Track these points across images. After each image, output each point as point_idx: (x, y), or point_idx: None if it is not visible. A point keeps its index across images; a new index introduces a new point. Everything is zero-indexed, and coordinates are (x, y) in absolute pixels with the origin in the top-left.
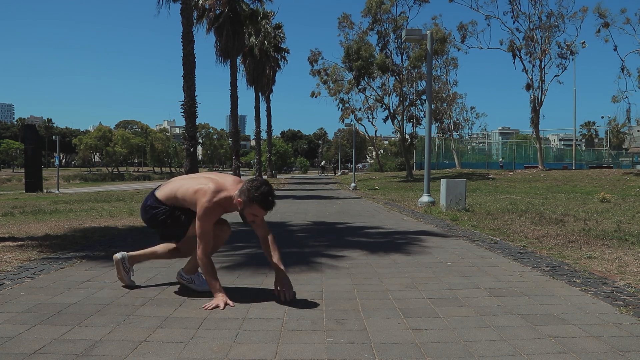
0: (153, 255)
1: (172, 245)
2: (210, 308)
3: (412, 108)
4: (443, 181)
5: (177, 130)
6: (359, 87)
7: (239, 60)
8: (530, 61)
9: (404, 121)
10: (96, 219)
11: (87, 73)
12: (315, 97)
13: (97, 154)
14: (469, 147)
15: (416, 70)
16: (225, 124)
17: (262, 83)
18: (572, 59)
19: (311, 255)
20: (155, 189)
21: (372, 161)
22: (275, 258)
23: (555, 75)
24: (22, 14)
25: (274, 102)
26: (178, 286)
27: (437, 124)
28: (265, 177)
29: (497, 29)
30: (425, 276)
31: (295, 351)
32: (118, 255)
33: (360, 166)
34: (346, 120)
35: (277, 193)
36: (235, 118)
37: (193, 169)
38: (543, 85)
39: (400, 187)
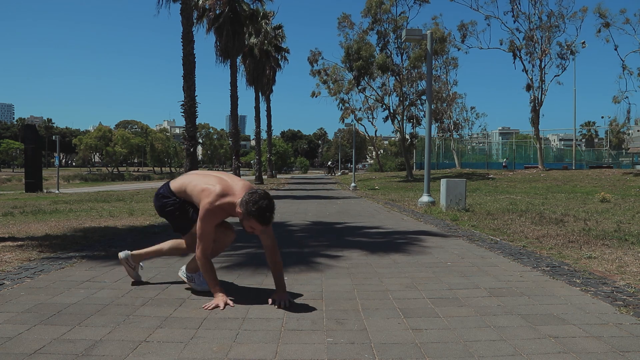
0: (159, 252)
1: (179, 241)
2: (210, 308)
3: (412, 108)
4: (443, 181)
5: (177, 130)
6: (359, 87)
7: (239, 60)
8: (530, 61)
9: (404, 121)
10: (96, 219)
11: (87, 73)
12: (316, 97)
13: (97, 154)
14: (469, 147)
15: (416, 70)
16: (225, 124)
17: (262, 83)
18: (572, 59)
19: (311, 255)
20: (172, 179)
21: (372, 161)
22: (277, 274)
23: (556, 75)
24: (22, 14)
25: (274, 102)
26: (178, 286)
27: (437, 124)
28: (265, 177)
29: (497, 29)
30: (425, 276)
31: (295, 351)
32: (122, 255)
33: (360, 166)
34: (346, 120)
35: (277, 193)
36: (235, 118)
37: (193, 169)
38: (543, 85)
39: (400, 187)
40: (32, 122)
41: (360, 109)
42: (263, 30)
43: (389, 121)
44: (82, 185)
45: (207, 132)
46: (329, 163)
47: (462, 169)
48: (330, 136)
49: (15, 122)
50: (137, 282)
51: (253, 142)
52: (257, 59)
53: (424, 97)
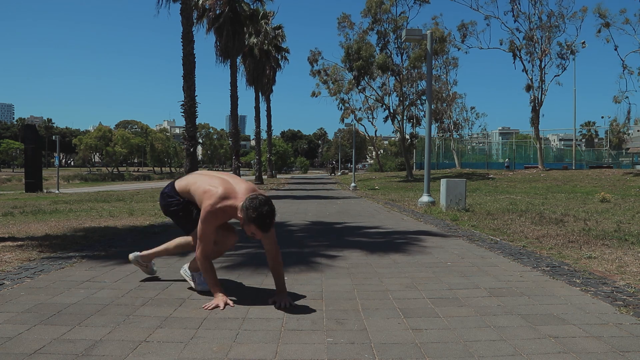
0: (167, 251)
1: (187, 238)
2: (210, 308)
3: (412, 108)
4: (443, 181)
5: (177, 130)
6: (359, 87)
7: (239, 60)
8: (530, 61)
9: (404, 121)
10: (96, 219)
11: (87, 73)
12: (316, 96)
13: (97, 154)
14: (469, 147)
15: (416, 70)
16: (225, 124)
17: (262, 83)
18: (573, 59)
19: (311, 255)
20: (177, 178)
21: (372, 161)
22: (277, 276)
23: (556, 75)
24: (22, 14)
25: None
26: (178, 286)
27: (437, 124)
28: (265, 177)
29: (497, 29)
30: (425, 276)
31: (295, 351)
32: (131, 256)
33: (360, 166)
34: (346, 120)
35: (277, 193)
36: (235, 118)
37: (193, 169)
38: (543, 85)
39: (400, 187)
40: (32, 122)
41: (360, 109)
42: (263, 30)
43: (389, 121)
44: (82, 185)
45: (207, 132)
46: (333, 162)
47: (462, 169)
48: (330, 136)
49: (15, 122)
50: (152, 277)
51: (253, 142)
52: (257, 59)
53: (424, 97)
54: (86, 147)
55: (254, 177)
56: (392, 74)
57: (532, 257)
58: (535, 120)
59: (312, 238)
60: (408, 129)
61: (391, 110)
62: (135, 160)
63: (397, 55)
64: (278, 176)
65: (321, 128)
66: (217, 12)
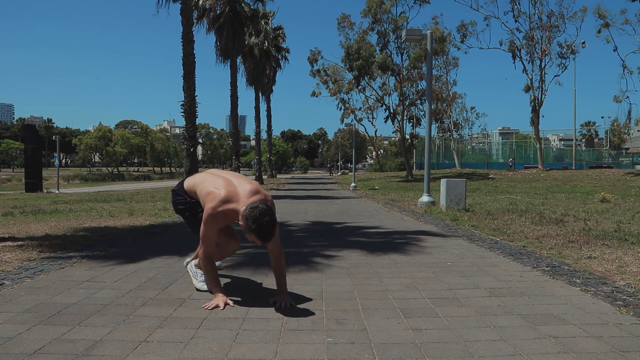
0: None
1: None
2: (210, 308)
3: (412, 108)
4: (443, 181)
5: (177, 130)
6: (359, 87)
7: (239, 60)
8: (530, 61)
9: (404, 121)
10: (96, 219)
11: (87, 73)
12: (316, 96)
13: (97, 154)
14: (469, 147)
15: (416, 70)
16: (225, 124)
17: (262, 83)
18: (573, 59)
19: (311, 255)
20: (187, 176)
21: (372, 161)
22: (279, 277)
23: (556, 75)
24: (22, 14)
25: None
26: (178, 286)
27: (437, 124)
28: (265, 177)
29: (497, 29)
30: (425, 276)
31: (295, 351)
32: (185, 264)
33: (360, 166)
34: (346, 120)
35: (277, 193)
36: (235, 118)
37: (193, 169)
38: (543, 85)
39: (400, 187)
40: (32, 122)
41: (360, 109)
42: (263, 30)
43: (389, 121)
44: (82, 185)
45: (207, 132)
46: (340, 162)
47: (462, 169)
48: (330, 136)
49: (15, 122)
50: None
51: (253, 142)
52: (257, 59)
53: (424, 97)
54: (86, 147)
55: (254, 177)
56: (392, 73)
57: (532, 257)
58: (535, 120)
59: (312, 238)
60: (408, 129)
61: (391, 110)
62: (135, 160)
63: (397, 55)
64: (278, 176)
65: (321, 128)
66: (218, 12)
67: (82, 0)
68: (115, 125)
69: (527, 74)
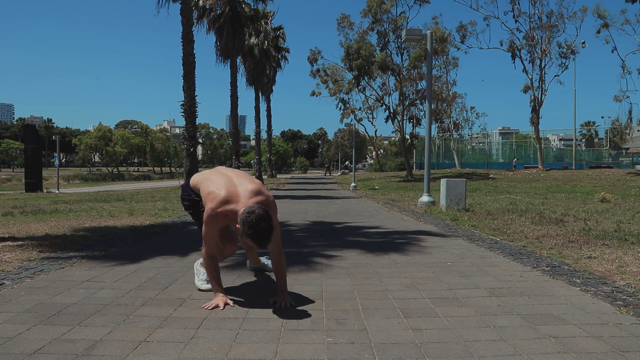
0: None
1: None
2: (210, 308)
3: (412, 108)
4: (443, 181)
5: (177, 130)
6: (359, 87)
7: (239, 60)
8: (530, 61)
9: (404, 121)
10: (96, 219)
11: (87, 73)
12: (316, 96)
13: (97, 154)
14: (469, 147)
15: (416, 70)
16: (225, 124)
17: (262, 83)
18: (573, 59)
19: (311, 255)
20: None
21: (372, 161)
22: (279, 277)
23: (556, 75)
24: (22, 14)
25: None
26: (178, 286)
27: (437, 124)
28: (265, 177)
29: (497, 29)
30: (425, 276)
31: (295, 351)
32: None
33: (360, 166)
34: (346, 120)
35: (277, 193)
36: (235, 118)
37: (193, 169)
38: (543, 85)
39: (400, 187)
40: (32, 122)
41: (360, 109)
42: (263, 30)
43: (389, 121)
44: (82, 185)
45: (207, 132)
46: (347, 163)
47: (462, 169)
48: (330, 136)
49: (15, 122)
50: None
51: (253, 142)
52: (257, 58)
53: (424, 98)
54: (86, 147)
55: (253, 177)
56: (392, 73)
57: (532, 257)
58: (535, 120)
59: (312, 238)
60: (408, 129)
61: (391, 110)
62: (135, 160)
63: (397, 55)
64: (278, 176)
65: (321, 128)
66: (218, 12)
67: (82, 0)
68: (115, 125)
69: (527, 74)
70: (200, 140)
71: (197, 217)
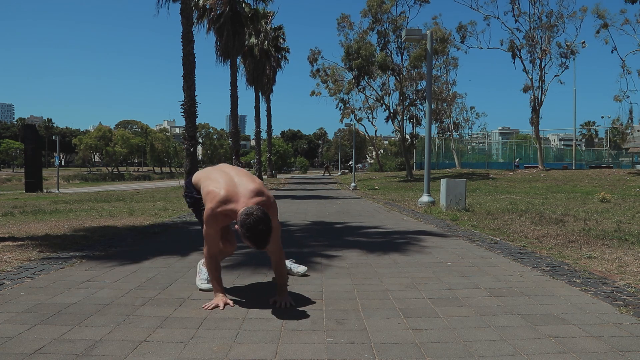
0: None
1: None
2: (210, 308)
3: (412, 108)
4: (443, 181)
5: (177, 130)
6: (359, 86)
7: (239, 60)
8: (531, 61)
9: (404, 121)
10: (96, 219)
11: (87, 73)
12: (316, 96)
13: (97, 154)
14: (469, 147)
15: (416, 70)
16: (225, 124)
17: (262, 83)
18: (573, 59)
19: (311, 255)
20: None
21: (372, 161)
22: (279, 277)
23: (556, 75)
24: (22, 14)
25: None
26: (178, 286)
27: (437, 124)
28: (265, 176)
29: (497, 29)
30: (425, 276)
31: (295, 351)
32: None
33: (360, 166)
34: (346, 120)
35: (277, 193)
36: (235, 118)
37: (193, 169)
38: (543, 85)
39: (400, 187)
40: (32, 122)
41: (360, 109)
42: (263, 30)
43: (389, 121)
44: (82, 185)
45: (207, 132)
46: (351, 163)
47: (462, 169)
48: (330, 136)
49: (15, 122)
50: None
51: (253, 142)
52: (257, 58)
53: (424, 98)
54: (86, 147)
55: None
56: (392, 73)
57: (532, 257)
58: (535, 120)
59: (312, 238)
60: (408, 129)
61: (391, 110)
62: (135, 160)
63: (397, 55)
64: (278, 176)
65: (321, 128)
66: (218, 12)
67: (82, 0)
68: (115, 125)
69: (527, 74)
70: (200, 140)
71: (199, 214)
